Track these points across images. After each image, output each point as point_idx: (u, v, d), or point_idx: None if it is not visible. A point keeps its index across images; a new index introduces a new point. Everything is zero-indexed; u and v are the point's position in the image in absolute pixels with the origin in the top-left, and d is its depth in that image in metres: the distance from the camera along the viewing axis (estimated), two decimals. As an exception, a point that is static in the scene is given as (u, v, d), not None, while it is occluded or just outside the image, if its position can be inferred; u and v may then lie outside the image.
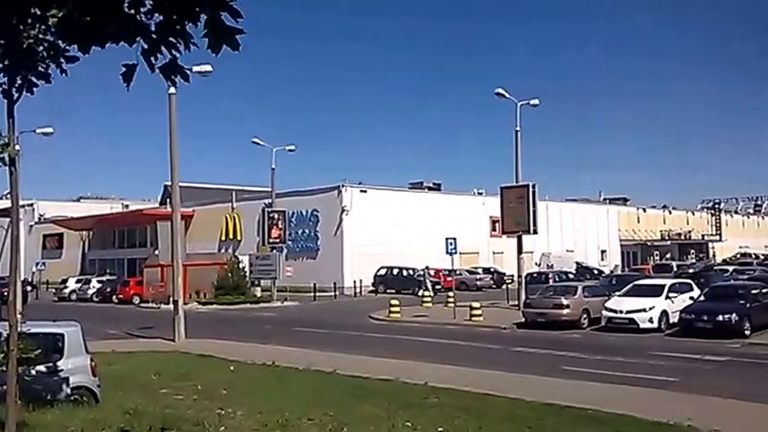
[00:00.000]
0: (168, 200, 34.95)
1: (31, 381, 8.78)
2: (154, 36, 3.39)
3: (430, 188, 55.80)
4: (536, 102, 31.17)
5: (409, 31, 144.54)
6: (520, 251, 29.99)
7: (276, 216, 40.57)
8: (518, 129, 30.14)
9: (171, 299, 22.01)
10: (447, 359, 16.05)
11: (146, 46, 3.42)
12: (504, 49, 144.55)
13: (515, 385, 12.39)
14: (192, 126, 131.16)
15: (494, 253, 51.27)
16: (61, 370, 10.19)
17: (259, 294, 37.77)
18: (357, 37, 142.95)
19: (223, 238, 51.16)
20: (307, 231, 46.84)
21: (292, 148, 42.11)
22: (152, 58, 3.46)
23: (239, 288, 36.57)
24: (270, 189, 42.37)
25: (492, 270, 47.24)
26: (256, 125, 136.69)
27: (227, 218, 51.40)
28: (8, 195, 8.01)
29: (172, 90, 22.06)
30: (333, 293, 40.17)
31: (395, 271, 42.41)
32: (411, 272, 41.65)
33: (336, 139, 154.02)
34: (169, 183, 24.22)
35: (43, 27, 4.51)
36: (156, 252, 38.96)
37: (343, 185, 45.79)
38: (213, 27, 3.27)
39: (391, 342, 20.30)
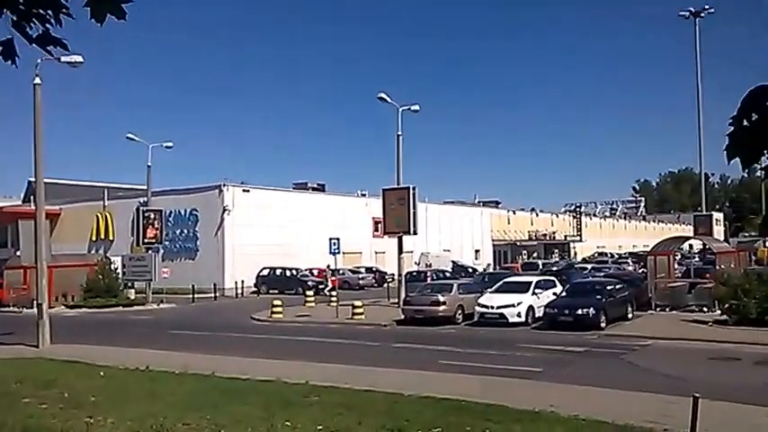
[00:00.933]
0: (32, 197, 32.74)
1: None
2: (22, 8, 3.13)
3: (314, 189, 55.68)
4: (416, 107, 32.06)
5: (293, 32, 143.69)
6: (400, 251, 30.75)
7: (152, 215, 38.92)
8: (399, 133, 30.91)
9: (34, 302, 20.64)
10: (329, 358, 16.18)
11: (14, 18, 3.16)
12: (387, 58, 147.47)
13: (395, 380, 12.72)
14: (62, 119, 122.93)
15: (376, 252, 52.09)
16: None
17: (133, 297, 36.18)
18: (239, 36, 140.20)
19: (94, 239, 48.53)
20: (185, 231, 45.31)
21: (170, 144, 40.60)
22: (27, 30, 3.19)
23: (111, 290, 34.85)
24: (145, 187, 40.67)
25: (374, 269, 47.97)
26: (132, 121, 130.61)
27: (98, 217, 48.75)
28: None
29: (37, 80, 20.70)
30: (213, 295, 39.19)
31: (278, 271, 42.06)
32: (294, 272, 41.52)
33: (218, 138, 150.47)
34: (33, 179, 22.69)
35: None
36: (18, 253, 36.27)
37: (224, 184, 44.67)
38: None
39: (273, 342, 20.19)
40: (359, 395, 11.53)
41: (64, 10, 3.20)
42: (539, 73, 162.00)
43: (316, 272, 42.10)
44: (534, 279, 25.51)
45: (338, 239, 27.48)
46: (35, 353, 18.32)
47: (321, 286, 38.27)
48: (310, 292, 33.35)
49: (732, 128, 2.12)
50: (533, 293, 23.19)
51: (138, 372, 14.36)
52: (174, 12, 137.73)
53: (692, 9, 44.05)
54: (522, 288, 23.60)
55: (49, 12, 3.19)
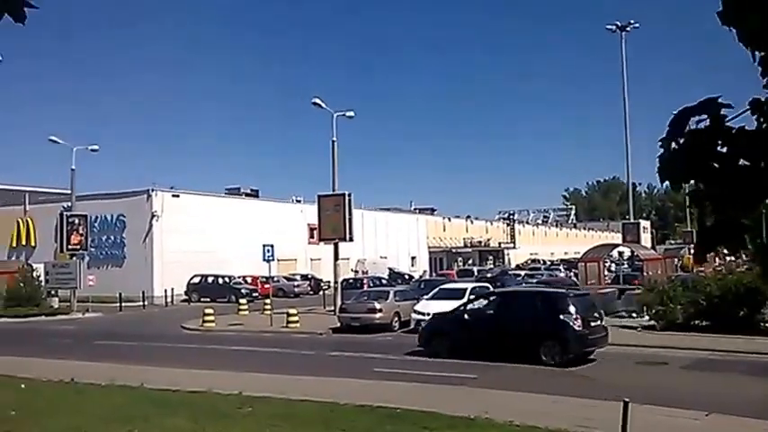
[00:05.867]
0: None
1: None
2: None
3: (248, 194, 54.95)
4: (351, 113, 32.17)
5: (223, 35, 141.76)
6: (336, 258, 30.63)
7: (76, 221, 37.57)
8: (334, 139, 30.85)
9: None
10: (263, 367, 15.94)
11: None
12: (323, 63, 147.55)
13: (330, 389, 12.62)
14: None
15: (311, 259, 51.71)
16: None
17: (56, 306, 34.99)
18: (166, 39, 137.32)
19: (14, 245, 46.41)
20: (112, 237, 43.88)
21: (95, 148, 39.44)
22: None
23: (33, 299, 33.64)
24: (69, 191, 39.21)
25: (309, 276, 47.59)
26: (55, 122, 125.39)
27: (18, 222, 46.64)
28: None
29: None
30: (141, 303, 38.00)
31: (209, 279, 41.18)
32: (227, 279, 40.75)
33: (147, 142, 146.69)
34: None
35: None
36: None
37: (152, 189, 43.51)
38: None
39: (205, 352, 19.72)
40: (294, 405, 11.40)
41: None
42: (472, 82, 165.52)
43: (249, 279, 41.43)
44: (469, 286, 25.74)
45: (272, 246, 27.13)
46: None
47: (255, 294, 37.78)
48: (243, 300, 32.78)
49: (662, 149, 2.15)
50: (468, 300, 23.37)
51: (62, 384, 13.79)
52: (99, 13, 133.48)
53: (618, 23, 45.88)
54: (458, 295, 23.72)
55: None
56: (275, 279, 36.82)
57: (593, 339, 16.23)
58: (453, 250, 72.56)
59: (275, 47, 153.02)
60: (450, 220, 76.05)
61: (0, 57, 19.75)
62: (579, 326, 15.79)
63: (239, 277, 41.46)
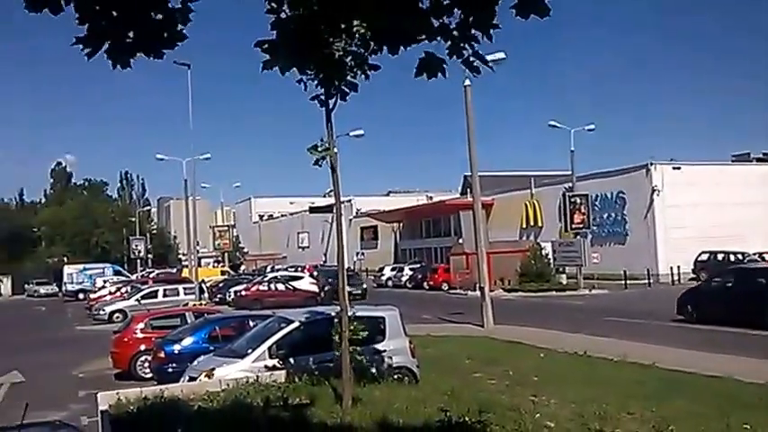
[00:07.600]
0: (468, 190, 36.34)
1: (360, 360, 9.63)
2: (455, 34, 3.62)
3: (759, 159, 48.65)
4: None
5: None
6: None
7: (578, 200, 39.23)
8: None
9: (477, 286, 22.65)
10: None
11: (447, 43, 3.73)
12: None
13: None
14: (486, 113, 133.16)
15: None
16: (384, 351, 11.10)
17: (564, 282, 37.18)
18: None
19: (524, 226, 51.10)
20: (612, 215, 44.39)
21: (592, 127, 40.33)
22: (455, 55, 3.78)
23: (543, 275, 36.46)
24: (569, 172, 41.21)
25: None
26: (551, 107, 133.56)
27: (526, 205, 51.22)
28: (332, 193, 8.96)
29: (467, 82, 22.52)
30: (646, 281, 37.45)
31: (719, 256, 37.65)
32: (740, 257, 36.67)
33: (642, 115, 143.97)
34: (468, 173, 24.95)
35: (349, 40, 4.93)
36: (461, 240, 40.61)
37: (651, 163, 42.28)
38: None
39: (719, 336, 18.07)
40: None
41: (494, 28, 3.65)
42: None
43: (768, 256, 36.48)
44: None
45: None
46: (480, 332, 20.15)
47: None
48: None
49: None
50: None
51: (575, 356, 14.44)
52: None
53: None
54: None
55: (478, 33, 3.69)
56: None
57: None
58: None
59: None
60: None
61: (503, 56, 21.83)
62: (804, 296, 17.88)
63: (755, 254, 36.88)
